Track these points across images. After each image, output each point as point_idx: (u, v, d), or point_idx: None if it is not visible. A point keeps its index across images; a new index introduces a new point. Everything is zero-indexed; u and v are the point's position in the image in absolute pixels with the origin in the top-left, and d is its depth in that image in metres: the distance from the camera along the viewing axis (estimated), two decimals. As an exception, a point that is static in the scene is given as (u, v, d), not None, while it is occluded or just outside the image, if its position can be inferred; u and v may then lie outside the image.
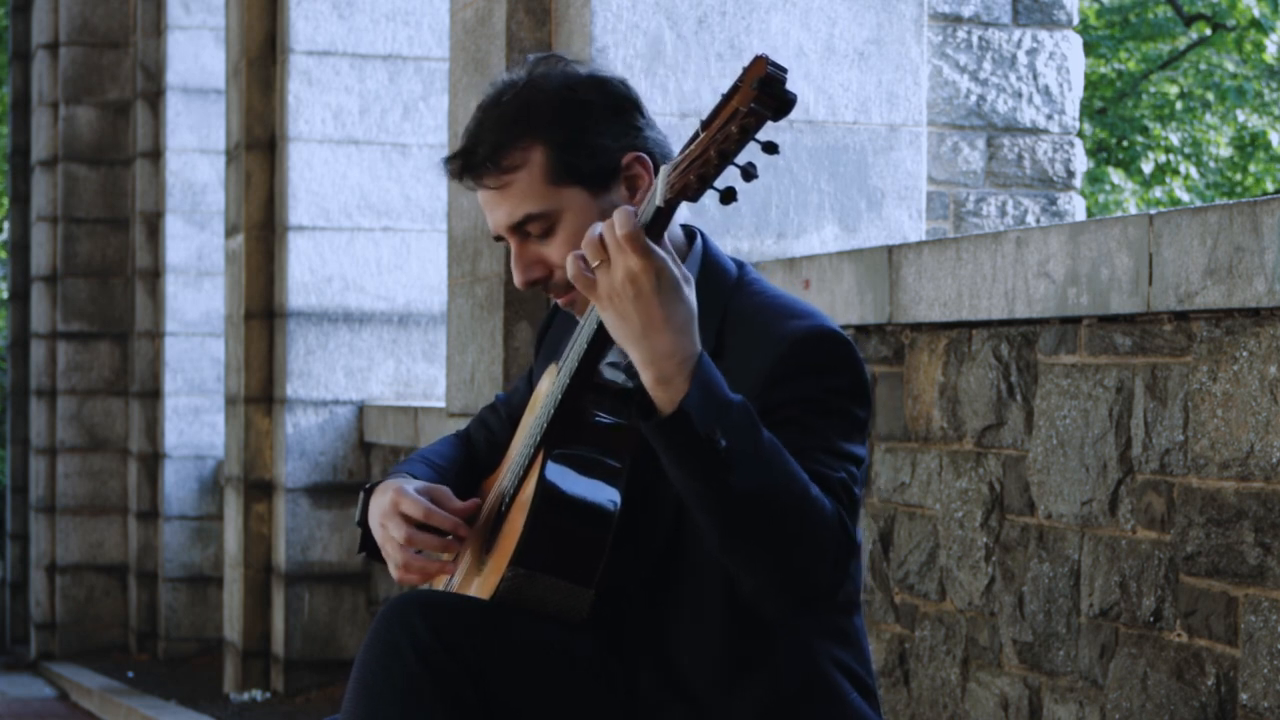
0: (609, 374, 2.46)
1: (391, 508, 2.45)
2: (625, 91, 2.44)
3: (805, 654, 2.37)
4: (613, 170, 2.40)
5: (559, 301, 2.47)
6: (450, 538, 2.46)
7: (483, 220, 5.10)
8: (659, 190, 2.15)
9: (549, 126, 2.39)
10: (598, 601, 2.33)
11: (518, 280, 2.42)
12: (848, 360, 2.32)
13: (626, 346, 2.16)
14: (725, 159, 2.09)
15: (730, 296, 2.40)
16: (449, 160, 2.46)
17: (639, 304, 2.12)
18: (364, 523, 2.57)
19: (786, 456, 2.18)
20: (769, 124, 2.06)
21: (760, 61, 2.04)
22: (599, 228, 2.14)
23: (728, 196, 2.13)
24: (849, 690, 2.40)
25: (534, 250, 2.41)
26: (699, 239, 2.47)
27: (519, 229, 2.41)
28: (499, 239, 2.46)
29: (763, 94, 2.03)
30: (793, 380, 2.28)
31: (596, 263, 2.14)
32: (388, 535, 2.46)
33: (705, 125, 2.09)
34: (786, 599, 2.23)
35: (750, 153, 2.11)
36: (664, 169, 2.16)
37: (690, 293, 2.16)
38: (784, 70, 2.04)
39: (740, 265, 2.47)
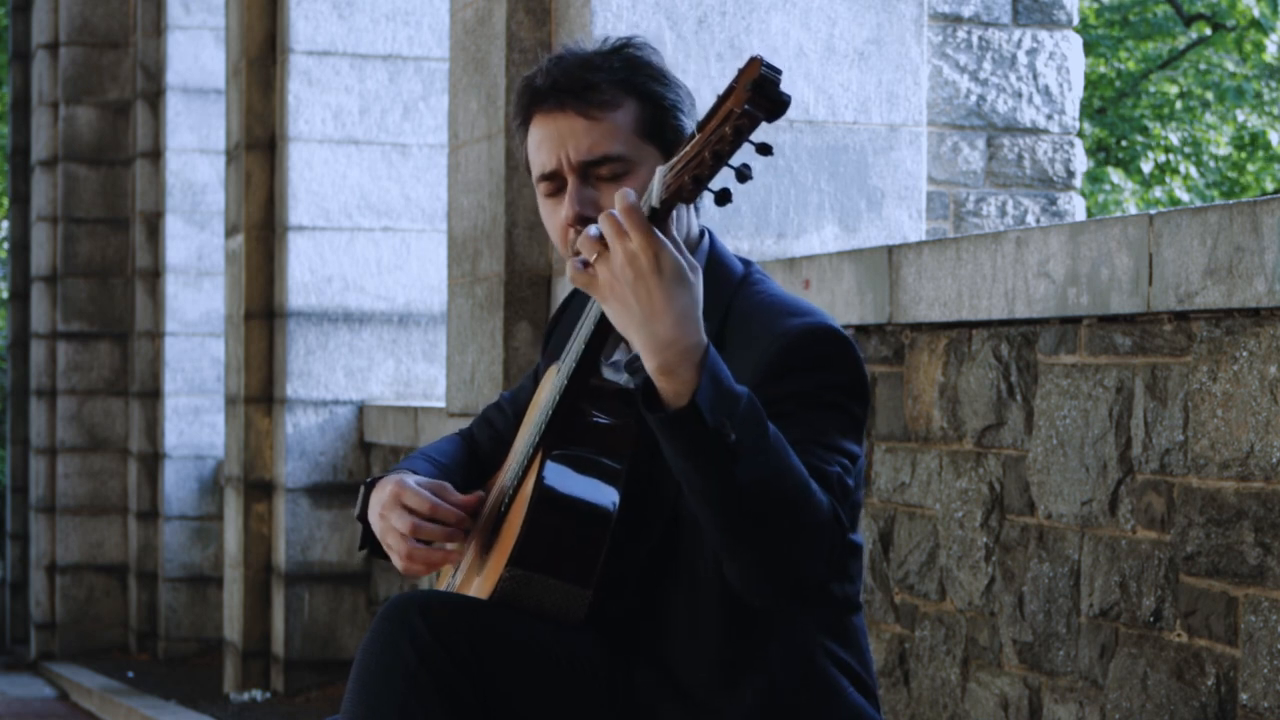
0: (609, 374, 2.46)
1: (393, 500, 2.45)
2: (692, 98, 2.47)
3: (803, 652, 2.37)
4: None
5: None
6: (454, 529, 2.46)
7: (483, 220, 5.10)
8: (655, 192, 2.15)
9: (648, 86, 2.41)
10: (595, 601, 2.33)
11: (566, 215, 2.39)
12: (845, 357, 2.32)
13: (629, 335, 2.13)
14: (720, 160, 2.08)
15: (734, 294, 2.41)
16: (540, 76, 2.42)
17: (639, 287, 2.10)
18: (364, 517, 2.57)
19: (789, 450, 2.18)
20: (764, 125, 2.06)
21: (755, 63, 2.04)
22: (594, 228, 2.14)
23: (723, 198, 2.13)
24: (847, 687, 2.40)
25: (591, 192, 2.40)
26: (706, 237, 2.48)
27: (591, 166, 2.39)
28: (549, 178, 2.42)
29: (756, 95, 2.03)
30: (788, 375, 2.27)
31: (594, 256, 2.13)
32: (389, 526, 2.46)
33: (700, 127, 2.10)
34: (776, 590, 2.22)
35: (745, 154, 2.11)
36: (660, 170, 2.16)
37: (695, 281, 2.13)
38: (778, 72, 2.04)
39: (747, 264, 2.47)
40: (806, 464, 2.21)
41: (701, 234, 2.49)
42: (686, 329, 2.12)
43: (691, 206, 2.45)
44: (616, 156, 2.38)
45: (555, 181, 2.42)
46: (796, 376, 2.28)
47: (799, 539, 2.18)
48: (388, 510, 2.46)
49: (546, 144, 2.41)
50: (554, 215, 2.43)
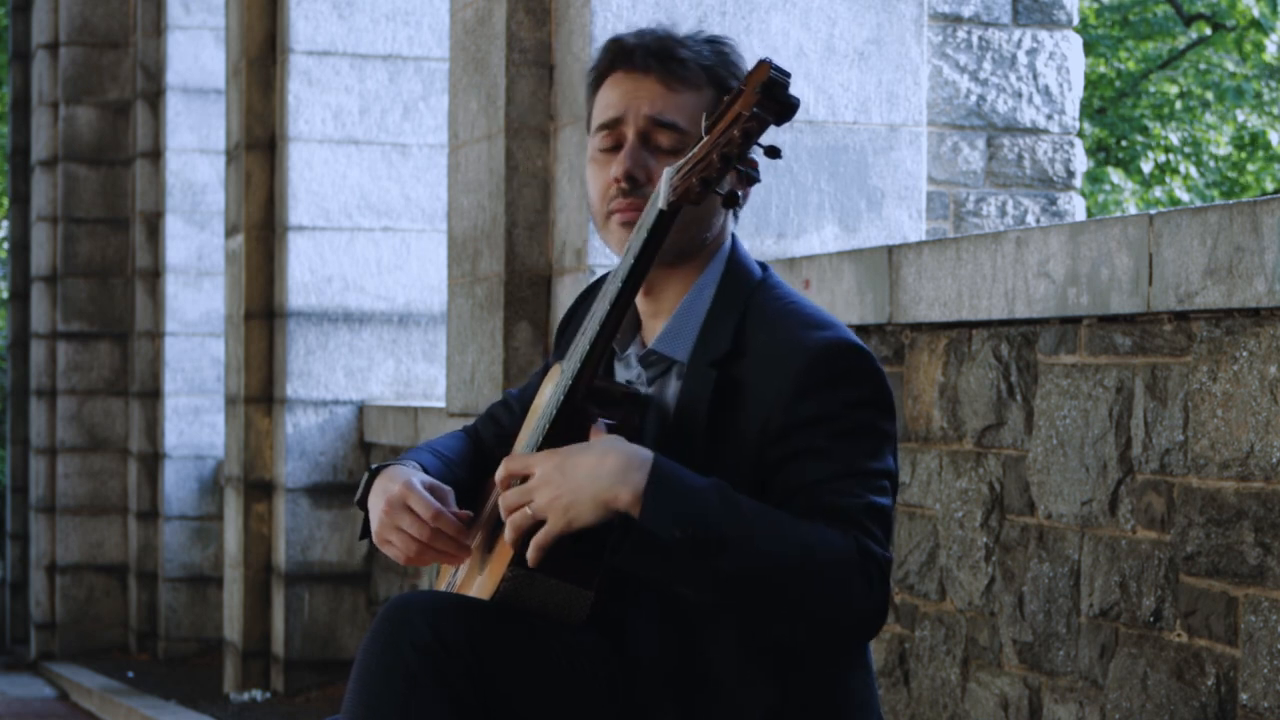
0: (620, 369, 2.47)
1: (400, 501, 2.45)
2: None
3: (804, 663, 2.37)
4: None
5: (621, 217, 2.41)
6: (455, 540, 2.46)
7: (483, 220, 5.10)
8: (662, 193, 2.15)
9: (729, 84, 2.41)
10: (597, 602, 2.33)
11: (616, 171, 2.38)
12: (867, 372, 2.31)
13: (603, 500, 2.18)
14: (728, 163, 2.09)
15: (751, 295, 2.41)
16: (632, 36, 2.44)
17: (566, 473, 2.19)
18: (364, 503, 2.56)
19: (773, 518, 2.19)
20: (771, 128, 2.06)
21: (763, 66, 2.05)
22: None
23: (730, 200, 2.13)
24: (847, 700, 2.40)
25: (647, 156, 2.39)
26: (729, 240, 2.48)
27: (654, 128, 2.39)
28: (609, 126, 2.41)
29: (765, 99, 2.04)
30: (813, 396, 2.26)
31: (528, 517, 2.23)
32: (391, 524, 2.45)
33: (708, 129, 2.10)
34: (830, 641, 2.25)
35: (753, 156, 2.11)
36: (667, 171, 2.16)
37: (597, 433, 2.24)
38: (787, 75, 2.04)
39: (765, 268, 2.48)
40: (824, 504, 2.21)
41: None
42: (625, 450, 2.18)
43: (730, 212, 2.44)
44: (682, 129, 2.38)
45: (614, 133, 2.41)
46: (820, 398, 2.27)
47: (817, 596, 2.19)
48: (395, 511, 2.45)
49: (618, 96, 2.41)
50: (601, 173, 2.42)
